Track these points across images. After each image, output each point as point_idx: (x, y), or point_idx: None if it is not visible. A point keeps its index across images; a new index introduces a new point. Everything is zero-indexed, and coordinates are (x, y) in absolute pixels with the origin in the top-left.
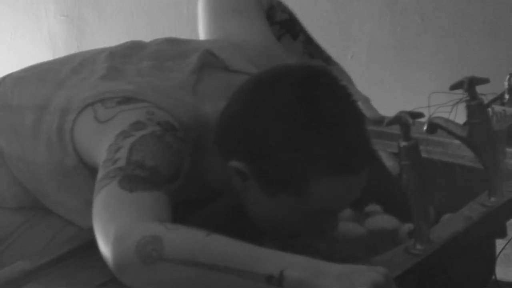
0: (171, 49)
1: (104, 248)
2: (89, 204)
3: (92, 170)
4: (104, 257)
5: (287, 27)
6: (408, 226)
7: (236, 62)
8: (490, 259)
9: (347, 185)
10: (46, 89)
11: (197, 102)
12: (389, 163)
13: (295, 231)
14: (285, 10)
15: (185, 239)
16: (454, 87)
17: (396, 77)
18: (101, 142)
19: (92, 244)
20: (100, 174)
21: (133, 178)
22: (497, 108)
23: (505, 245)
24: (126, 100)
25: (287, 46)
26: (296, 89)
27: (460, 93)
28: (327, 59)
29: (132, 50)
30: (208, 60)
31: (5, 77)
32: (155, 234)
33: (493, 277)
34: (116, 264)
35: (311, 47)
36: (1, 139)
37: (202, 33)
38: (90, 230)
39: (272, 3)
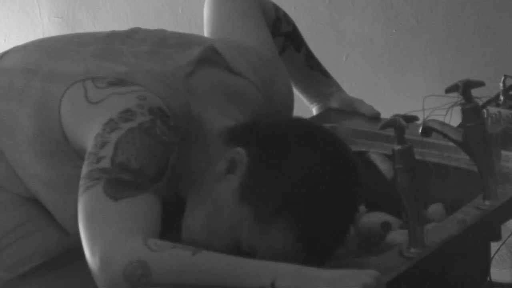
0: (175, 38)
1: (91, 266)
2: (66, 179)
3: (74, 146)
4: (92, 274)
5: (291, 39)
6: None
7: (239, 65)
8: (485, 262)
9: (297, 254)
10: (39, 55)
11: (189, 94)
12: (384, 166)
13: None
14: (289, 22)
15: (171, 262)
16: (449, 90)
17: (390, 79)
18: (89, 125)
19: (71, 255)
20: (84, 169)
21: (117, 183)
22: (492, 110)
23: (500, 246)
24: (118, 81)
25: (290, 57)
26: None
27: (455, 96)
28: (325, 72)
29: (134, 33)
30: (211, 56)
31: (14, 47)
32: (140, 259)
33: (488, 279)
34: None
35: (312, 60)
36: None
37: (208, 33)
38: (67, 241)
39: (278, 15)
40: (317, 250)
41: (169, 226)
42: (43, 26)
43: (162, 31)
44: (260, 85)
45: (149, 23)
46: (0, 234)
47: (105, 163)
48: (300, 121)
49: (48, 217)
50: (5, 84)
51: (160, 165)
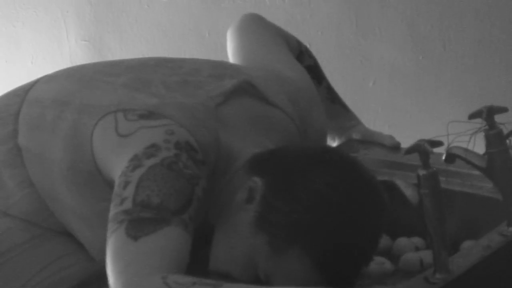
0: (209, 69)
1: None
2: (97, 212)
3: (106, 178)
4: None
5: (313, 72)
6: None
7: (276, 96)
8: None
9: (315, 282)
10: (71, 86)
11: (219, 126)
12: (408, 192)
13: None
14: (311, 55)
15: None
16: (472, 116)
17: (416, 105)
18: (117, 160)
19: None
20: (111, 212)
21: (138, 222)
22: None
23: None
24: (148, 114)
25: None
26: (357, 187)
27: (479, 122)
28: (345, 106)
29: (166, 62)
30: (245, 87)
31: (43, 77)
32: None
33: None
34: None
35: (333, 94)
36: (21, 134)
37: (238, 61)
38: (94, 266)
39: (300, 49)
40: (336, 276)
41: (195, 256)
42: (70, 49)
43: (196, 61)
44: (297, 117)
45: (176, 47)
46: (35, 270)
47: (127, 204)
48: (317, 147)
49: (85, 250)
50: (37, 115)
51: (183, 198)
